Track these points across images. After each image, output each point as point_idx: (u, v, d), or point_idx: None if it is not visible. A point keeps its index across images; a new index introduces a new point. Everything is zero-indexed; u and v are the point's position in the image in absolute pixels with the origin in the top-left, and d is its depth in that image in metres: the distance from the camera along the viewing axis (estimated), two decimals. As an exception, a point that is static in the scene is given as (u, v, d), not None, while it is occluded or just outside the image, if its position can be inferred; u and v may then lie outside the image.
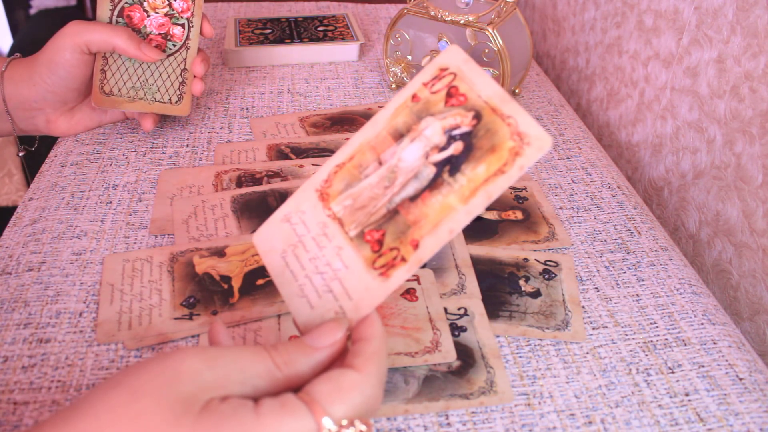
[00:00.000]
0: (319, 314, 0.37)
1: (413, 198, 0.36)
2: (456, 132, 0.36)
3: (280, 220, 0.40)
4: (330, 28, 0.91)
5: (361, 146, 0.38)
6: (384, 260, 0.36)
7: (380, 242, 0.36)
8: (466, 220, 0.34)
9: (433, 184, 0.35)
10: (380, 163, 0.37)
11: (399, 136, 0.37)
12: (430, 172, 0.36)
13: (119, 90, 0.64)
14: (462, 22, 0.71)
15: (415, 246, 0.35)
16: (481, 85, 0.36)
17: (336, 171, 0.39)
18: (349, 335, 0.36)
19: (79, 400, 0.31)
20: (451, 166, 0.35)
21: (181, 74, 0.65)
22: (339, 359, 0.35)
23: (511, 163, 0.34)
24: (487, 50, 0.70)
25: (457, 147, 0.35)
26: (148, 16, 0.64)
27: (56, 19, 0.67)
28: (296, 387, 0.34)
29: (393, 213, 0.36)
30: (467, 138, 0.35)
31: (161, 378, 0.31)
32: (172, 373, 0.31)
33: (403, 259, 0.35)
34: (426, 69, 0.38)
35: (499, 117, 0.34)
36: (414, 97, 0.37)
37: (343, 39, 0.88)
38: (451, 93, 0.36)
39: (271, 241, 0.40)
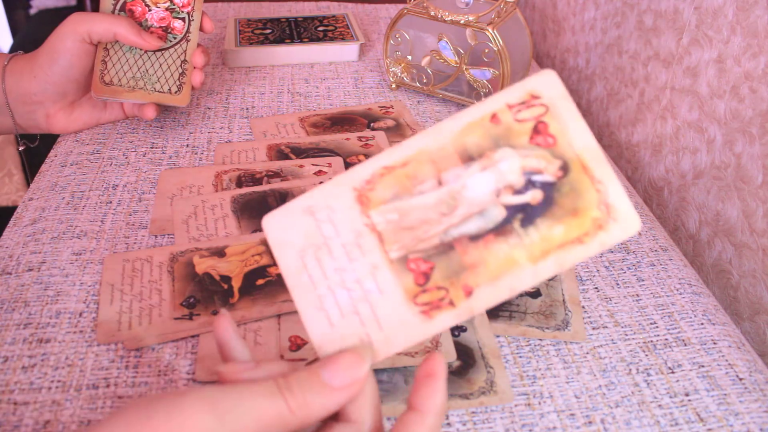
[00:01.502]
0: (340, 335, 0.32)
1: (474, 237, 0.31)
2: (537, 178, 0.31)
3: (302, 211, 0.33)
4: (330, 28, 0.91)
5: (419, 154, 0.33)
6: (428, 297, 0.31)
7: (426, 276, 0.32)
8: (532, 282, 0.31)
9: (500, 230, 0.31)
10: (440, 183, 0.32)
11: (468, 158, 0.32)
12: (499, 214, 0.31)
13: (119, 80, 0.64)
14: (462, 22, 0.71)
15: (468, 293, 0.31)
16: (575, 133, 0.31)
17: (383, 174, 0.33)
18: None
19: None
20: (525, 215, 0.31)
21: (181, 65, 0.66)
22: (365, 402, 0.31)
23: (593, 234, 0.30)
24: (487, 50, 0.70)
25: (535, 196, 0.31)
26: (150, 10, 0.65)
27: (56, 19, 0.67)
28: (309, 426, 0.31)
29: (447, 247, 0.31)
30: (549, 189, 0.31)
31: None
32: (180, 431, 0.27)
33: (452, 303, 0.31)
34: (513, 88, 0.32)
35: (588, 178, 0.30)
36: (494, 117, 0.32)
37: (343, 39, 0.88)
38: (539, 129, 0.31)
39: (287, 232, 0.33)
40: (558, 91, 0.32)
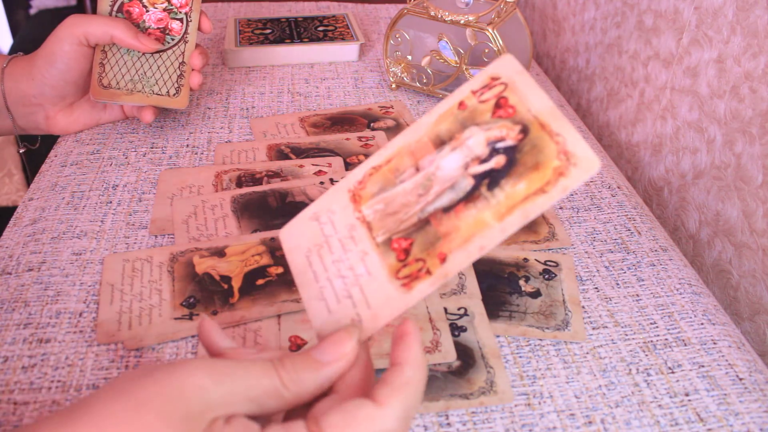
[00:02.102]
0: (336, 320, 0.35)
1: (447, 209, 0.34)
2: (500, 145, 0.34)
3: (309, 218, 0.38)
4: (330, 28, 0.91)
5: (400, 150, 0.36)
6: (408, 270, 0.34)
7: (407, 251, 0.34)
8: (500, 238, 0.32)
9: (470, 197, 0.34)
10: (417, 170, 0.36)
11: (440, 143, 0.35)
12: (468, 184, 0.34)
13: (117, 83, 0.64)
14: (462, 22, 0.71)
15: (443, 259, 0.33)
16: (533, 99, 0.34)
17: (372, 173, 0.37)
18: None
19: (80, 403, 0.30)
20: (491, 180, 0.33)
21: (179, 67, 0.66)
22: (357, 379, 0.33)
23: (554, 182, 0.32)
24: (487, 50, 0.70)
25: (498, 161, 0.33)
26: (147, 11, 0.64)
27: (56, 19, 0.67)
28: (305, 403, 0.32)
29: (424, 223, 0.34)
30: (511, 152, 0.33)
31: (167, 393, 0.29)
32: (179, 388, 0.29)
33: (428, 272, 0.33)
34: (476, 77, 0.36)
35: (547, 134, 0.33)
36: (461, 104, 0.36)
37: (343, 39, 0.88)
38: (500, 104, 0.34)
39: (297, 238, 0.38)
40: (515, 68, 0.35)
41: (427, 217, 0.34)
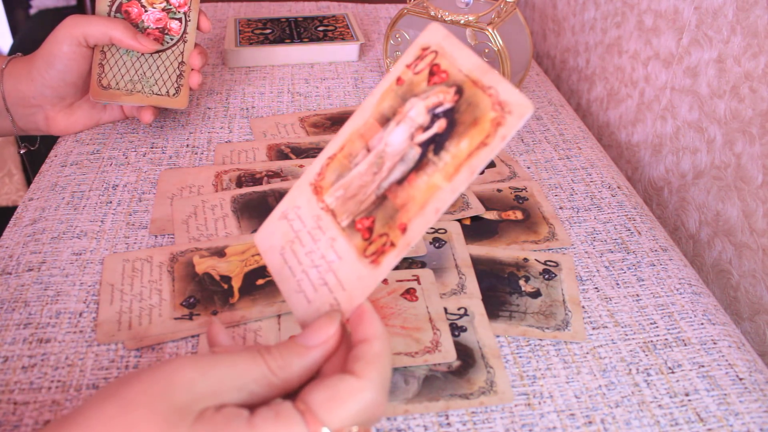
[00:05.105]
0: (316, 308, 0.36)
1: (400, 181, 0.35)
2: (439, 110, 0.35)
3: (278, 218, 0.39)
4: (330, 28, 0.91)
5: (351, 135, 0.38)
6: (374, 247, 0.35)
7: (370, 229, 0.36)
8: (452, 198, 0.33)
9: (419, 165, 0.35)
10: (368, 150, 0.37)
11: (385, 121, 0.37)
12: (416, 153, 0.35)
13: (117, 83, 0.64)
14: (462, 22, 0.71)
15: (403, 230, 0.34)
16: (462, 59, 0.35)
17: (328, 163, 0.38)
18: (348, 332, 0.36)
19: (73, 411, 0.31)
20: (436, 144, 0.34)
21: (178, 67, 0.66)
22: (342, 361, 0.34)
23: (493, 134, 0.33)
24: (487, 50, 0.70)
25: (440, 125, 0.34)
26: (146, 11, 0.64)
27: (56, 19, 0.67)
28: (294, 389, 0.33)
29: (382, 199, 0.36)
30: (450, 114, 0.34)
31: (154, 388, 0.30)
32: (166, 383, 0.30)
33: (392, 244, 0.35)
34: (408, 50, 0.37)
35: (480, 89, 0.34)
36: (398, 80, 0.37)
37: (343, 39, 0.88)
38: (433, 71, 0.36)
39: (270, 239, 0.39)
40: (441, 34, 0.36)
41: (383, 192, 0.36)
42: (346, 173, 0.37)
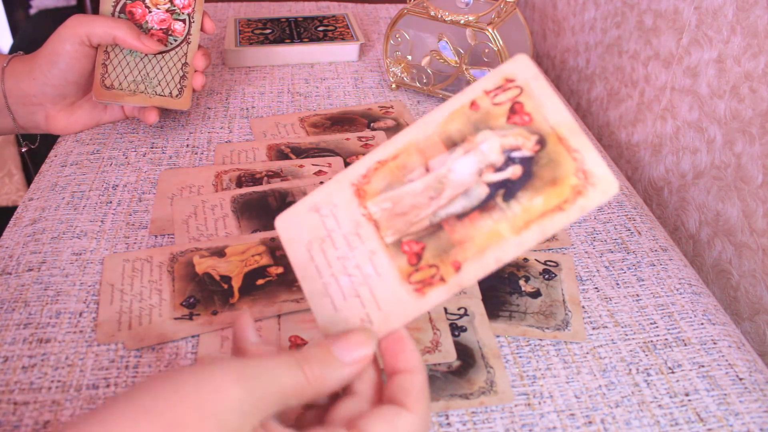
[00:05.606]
0: (343, 318, 0.35)
1: (460, 216, 0.33)
2: (516, 154, 0.33)
3: (309, 209, 0.36)
4: (330, 28, 0.91)
5: (408, 146, 0.35)
6: (421, 276, 0.33)
7: (419, 256, 0.34)
8: (517, 253, 0.32)
9: (484, 206, 0.33)
10: (427, 170, 0.34)
11: (452, 144, 0.34)
12: (482, 192, 0.33)
13: (120, 84, 0.64)
14: (462, 22, 0.71)
15: (457, 268, 0.33)
16: (550, 109, 0.33)
17: (377, 168, 0.35)
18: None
19: (98, 415, 0.27)
20: (506, 190, 0.33)
21: (182, 68, 0.66)
22: (373, 382, 0.34)
23: (572, 201, 0.31)
24: (487, 50, 0.70)
25: (515, 171, 0.33)
26: (150, 12, 0.64)
27: (56, 19, 0.67)
28: (319, 398, 0.33)
29: (436, 227, 0.34)
30: (527, 164, 0.32)
31: (202, 411, 0.27)
32: (213, 407, 0.28)
33: (442, 279, 0.33)
34: (489, 76, 0.34)
35: (564, 148, 0.32)
36: (473, 104, 0.34)
37: (343, 39, 0.88)
38: (515, 109, 0.33)
39: (295, 229, 0.36)
40: (531, 72, 0.34)
41: (439, 221, 0.34)
42: (397, 186, 0.35)
